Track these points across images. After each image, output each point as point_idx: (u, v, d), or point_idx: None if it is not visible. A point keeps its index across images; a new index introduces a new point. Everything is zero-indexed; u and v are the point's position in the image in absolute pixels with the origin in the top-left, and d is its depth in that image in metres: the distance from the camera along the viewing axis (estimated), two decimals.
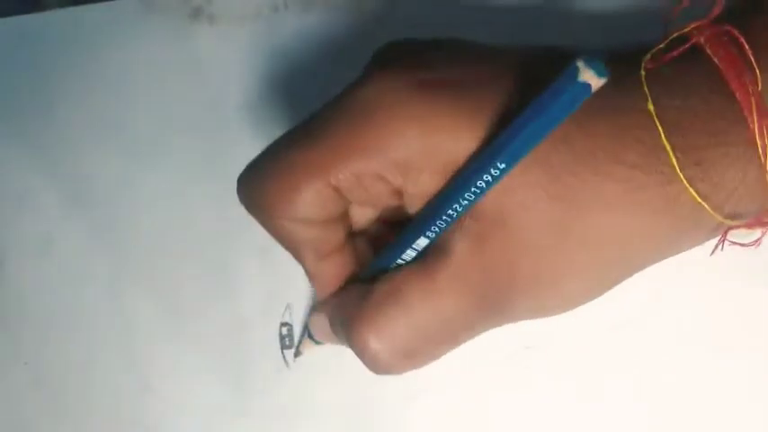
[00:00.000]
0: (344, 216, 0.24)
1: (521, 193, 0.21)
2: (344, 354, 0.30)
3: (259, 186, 0.23)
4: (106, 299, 0.33)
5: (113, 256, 0.33)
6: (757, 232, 0.25)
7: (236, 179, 0.32)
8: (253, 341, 0.31)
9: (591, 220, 0.21)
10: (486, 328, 0.23)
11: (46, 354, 0.33)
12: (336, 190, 0.22)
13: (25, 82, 0.34)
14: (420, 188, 0.21)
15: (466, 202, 0.20)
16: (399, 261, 0.23)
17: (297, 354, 0.31)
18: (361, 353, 0.23)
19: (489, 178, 0.20)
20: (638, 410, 0.29)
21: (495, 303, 0.22)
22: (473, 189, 0.20)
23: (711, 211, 0.21)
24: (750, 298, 0.29)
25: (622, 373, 0.29)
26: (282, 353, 0.31)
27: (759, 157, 0.21)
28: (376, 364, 0.23)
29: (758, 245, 0.26)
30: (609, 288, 0.23)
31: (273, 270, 0.31)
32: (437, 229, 0.22)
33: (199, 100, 0.33)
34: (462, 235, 0.21)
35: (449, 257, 0.22)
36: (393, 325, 0.22)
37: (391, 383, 0.30)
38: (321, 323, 0.26)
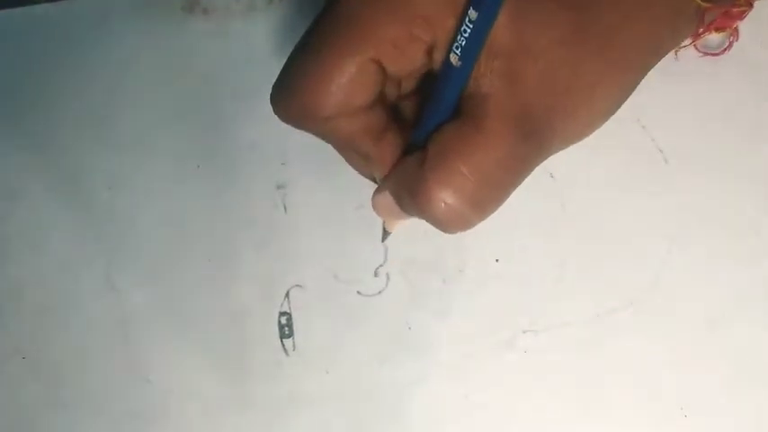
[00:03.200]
0: (383, 95, 0.24)
1: (535, 15, 0.21)
2: (344, 343, 0.31)
3: (301, 89, 0.22)
4: (103, 292, 0.33)
5: (110, 248, 0.33)
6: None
7: (231, 173, 0.32)
8: (251, 331, 0.32)
9: (603, 20, 0.22)
10: (538, 160, 0.24)
11: (43, 347, 0.32)
12: (377, 62, 0.22)
13: (18, 77, 0.34)
14: (448, 35, 0.22)
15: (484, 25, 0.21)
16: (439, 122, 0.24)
17: (385, 236, 0.30)
18: (433, 212, 0.23)
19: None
20: (638, 396, 0.30)
21: (540, 130, 0.23)
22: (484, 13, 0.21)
23: None
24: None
25: (621, 356, 0.30)
26: (282, 342, 0.31)
27: None
28: (450, 219, 0.23)
29: (728, 51, 0.29)
30: (631, 90, 0.24)
31: (271, 260, 0.32)
32: (465, 72, 0.22)
33: (193, 92, 0.33)
34: (493, 76, 0.22)
35: (487, 101, 0.22)
36: (456, 177, 0.22)
37: (391, 372, 0.31)
38: (385, 202, 0.26)
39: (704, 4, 0.24)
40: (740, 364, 0.29)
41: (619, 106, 0.24)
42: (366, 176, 0.27)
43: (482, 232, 0.30)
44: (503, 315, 0.30)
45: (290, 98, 0.23)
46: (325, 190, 0.31)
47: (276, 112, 0.24)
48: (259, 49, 0.33)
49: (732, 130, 0.30)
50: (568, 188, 0.30)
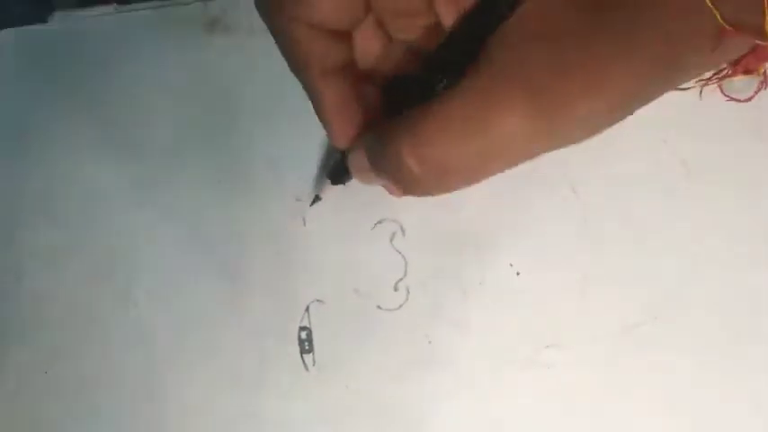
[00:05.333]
0: (349, 38, 0.24)
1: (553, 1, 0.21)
2: (364, 357, 0.31)
3: None
4: (123, 307, 0.33)
5: (130, 263, 0.33)
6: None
7: (251, 188, 0.32)
8: (271, 346, 0.31)
9: (615, 21, 0.21)
10: (534, 146, 0.22)
11: (65, 362, 0.33)
12: None
13: (41, 92, 0.34)
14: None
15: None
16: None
17: (315, 200, 0.30)
18: (399, 171, 0.22)
19: None
20: (664, 411, 0.29)
21: (547, 106, 0.21)
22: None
23: (712, 7, 0.21)
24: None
25: (646, 370, 0.29)
26: (302, 357, 0.31)
27: None
28: (413, 183, 0.22)
29: (752, 99, 0.28)
30: (641, 86, 0.23)
31: (291, 274, 0.32)
32: (482, 33, 0.21)
33: (214, 107, 0.33)
34: (498, 41, 0.21)
35: (491, 65, 0.21)
36: (432, 135, 0.21)
37: (411, 388, 0.30)
38: (358, 157, 0.25)
39: (727, 27, 0.22)
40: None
41: (633, 101, 0.23)
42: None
43: (503, 245, 0.30)
44: (525, 329, 0.30)
45: None
46: (345, 203, 0.31)
47: (256, 3, 0.24)
48: (279, 65, 0.33)
49: (754, 142, 0.30)
50: (590, 201, 0.30)
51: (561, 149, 0.22)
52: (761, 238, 0.29)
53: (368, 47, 0.26)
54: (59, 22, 0.35)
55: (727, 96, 0.29)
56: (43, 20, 0.35)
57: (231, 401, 0.32)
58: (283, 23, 0.24)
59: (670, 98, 0.29)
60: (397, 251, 0.31)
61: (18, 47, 0.35)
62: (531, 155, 0.22)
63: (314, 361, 0.31)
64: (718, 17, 0.22)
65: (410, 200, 0.31)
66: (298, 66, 0.25)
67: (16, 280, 0.34)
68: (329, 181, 0.30)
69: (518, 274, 0.30)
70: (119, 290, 0.33)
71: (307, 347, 0.31)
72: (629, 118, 0.29)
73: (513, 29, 0.22)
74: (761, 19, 0.22)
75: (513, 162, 0.22)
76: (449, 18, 0.23)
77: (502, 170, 0.23)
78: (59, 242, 0.34)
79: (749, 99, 0.28)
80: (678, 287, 0.29)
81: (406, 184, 0.23)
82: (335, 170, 0.29)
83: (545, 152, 0.22)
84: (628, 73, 0.22)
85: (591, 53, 0.21)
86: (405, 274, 0.31)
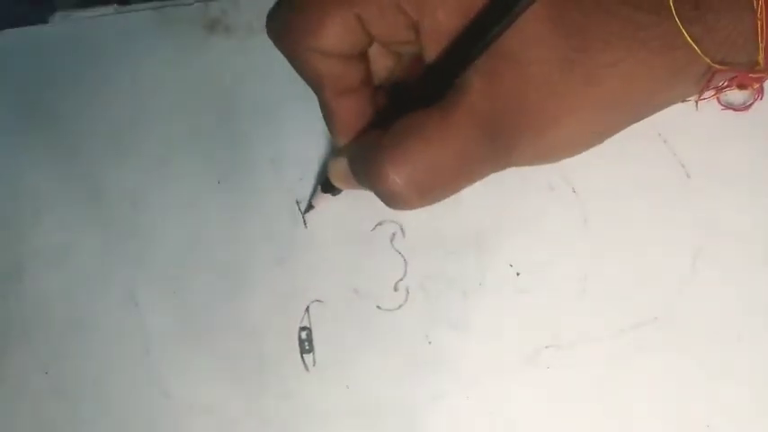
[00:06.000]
0: (364, 57, 0.26)
1: (531, 29, 0.22)
2: (364, 357, 0.31)
3: (288, 19, 0.24)
4: (125, 307, 0.33)
5: (132, 264, 0.33)
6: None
7: (252, 189, 0.32)
8: (271, 346, 0.32)
9: (595, 56, 0.22)
10: (495, 167, 0.25)
11: (66, 362, 0.33)
12: (360, 20, 0.23)
13: (42, 94, 0.35)
14: (435, 26, 0.23)
15: (481, 44, 0.22)
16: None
17: (308, 209, 0.31)
18: (381, 186, 0.23)
19: (506, 21, 0.22)
20: (664, 412, 0.29)
21: (504, 138, 0.23)
22: (491, 32, 0.22)
23: (700, 53, 0.22)
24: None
25: (646, 371, 0.29)
26: (302, 357, 0.31)
27: (754, 5, 0.22)
28: (394, 197, 0.24)
29: (749, 109, 0.28)
30: (607, 135, 0.25)
31: (291, 275, 0.32)
32: (454, 71, 0.23)
33: (214, 108, 0.33)
34: (476, 72, 0.23)
35: (464, 94, 0.23)
36: (410, 156, 0.23)
37: (411, 388, 0.30)
38: (340, 166, 0.27)
39: (716, 66, 0.23)
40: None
41: (589, 144, 0.25)
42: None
43: (503, 245, 0.30)
44: (525, 330, 0.30)
45: (277, 21, 0.25)
46: (345, 204, 0.31)
47: (269, 31, 0.25)
48: (279, 66, 0.33)
49: (755, 144, 0.30)
50: (590, 202, 0.30)
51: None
52: (761, 238, 0.29)
53: (381, 63, 0.27)
54: (60, 22, 0.35)
55: (724, 106, 0.29)
56: (44, 20, 0.35)
57: (231, 401, 0.32)
58: (295, 51, 0.25)
59: None
60: (397, 252, 0.31)
61: (18, 47, 0.35)
62: (500, 169, 0.25)
63: (314, 361, 0.31)
64: (708, 61, 0.22)
65: None
66: (312, 86, 0.26)
67: (16, 280, 0.34)
68: (323, 192, 0.30)
69: (518, 274, 0.30)
70: (121, 290, 0.33)
71: (307, 347, 0.31)
72: None
73: (493, 57, 0.23)
74: (748, 56, 0.23)
75: (485, 175, 0.25)
76: (431, 53, 0.24)
77: (481, 179, 0.25)
78: (60, 242, 0.34)
79: (746, 108, 0.29)
80: (678, 287, 0.29)
81: (387, 199, 0.24)
82: (327, 179, 0.29)
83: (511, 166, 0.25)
84: (588, 123, 0.24)
85: (555, 96, 0.23)
86: (404, 275, 0.31)
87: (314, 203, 0.31)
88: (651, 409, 0.29)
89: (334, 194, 0.30)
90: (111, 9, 0.34)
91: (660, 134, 0.30)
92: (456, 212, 0.31)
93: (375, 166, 0.23)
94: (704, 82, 0.24)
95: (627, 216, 0.30)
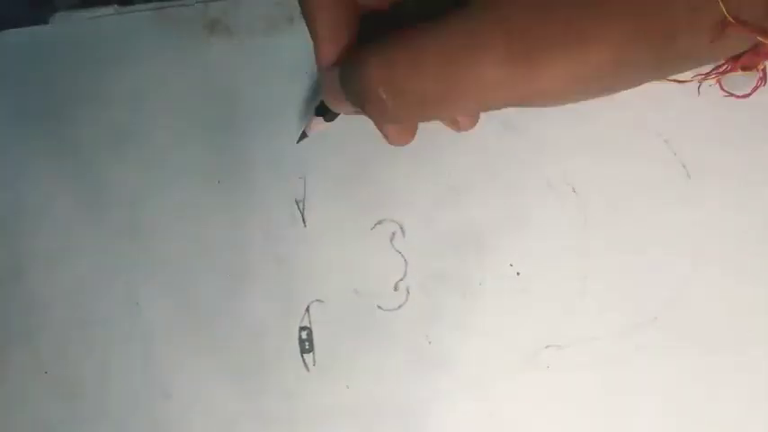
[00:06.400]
0: None
1: None
2: (364, 357, 0.31)
3: None
4: (125, 307, 0.33)
5: (132, 264, 0.33)
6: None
7: (252, 189, 0.32)
8: (272, 346, 0.32)
9: None
10: (507, 93, 0.22)
11: (66, 362, 0.33)
12: None
13: (41, 94, 0.35)
14: None
15: None
16: None
17: (302, 137, 0.30)
18: (366, 90, 0.22)
19: None
20: (663, 412, 0.29)
21: (525, 52, 0.21)
22: None
23: None
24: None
25: (645, 370, 0.29)
26: (302, 357, 0.31)
27: None
28: (379, 103, 0.22)
29: (752, 95, 0.28)
30: (624, 76, 0.22)
31: (291, 275, 0.32)
32: None
33: (215, 109, 0.33)
34: None
35: (472, 3, 0.21)
36: (403, 66, 0.21)
37: (411, 388, 0.30)
38: (332, 79, 0.25)
39: (729, 18, 0.22)
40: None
41: (614, 73, 0.22)
42: None
43: (503, 245, 0.30)
44: (524, 330, 0.30)
45: None
46: (345, 204, 0.31)
47: None
48: (280, 67, 0.33)
49: (755, 145, 0.30)
50: (591, 202, 0.30)
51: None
52: (761, 238, 0.29)
53: None
54: (60, 22, 0.35)
55: (726, 92, 0.29)
56: (44, 20, 0.35)
57: (232, 401, 0.32)
58: None
59: (671, 98, 0.29)
60: (397, 251, 0.31)
61: (19, 47, 0.35)
62: (501, 102, 0.22)
63: (314, 361, 0.31)
64: (723, 8, 0.21)
65: (411, 200, 0.31)
66: None
67: (16, 280, 0.34)
68: (316, 116, 0.29)
69: (518, 274, 0.30)
70: (119, 290, 0.33)
71: (307, 347, 0.31)
72: (631, 118, 0.29)
73: None
74: (764, 16, 0.22)
75: (482, 105, 0.22)
76: None
77: (470, 112, 0.22)
78: (60, 242, 0.34)
79: (747, 95, 0.28)
80: (678, 287, 0.29)
81: (372, 110, 0.23)
82: (322, 103, 0.28)
83: (517, 104, 0.22)
84: (611, 38, 0.21)
85: (577, 8, 0.21)
86: (405, 275, 0.31)
87: (307, 131, 0.30)
88: (650, 409, 0.29)
89: (326, 119, 0.29)
90: (111, 9, 0.34)
91: (660, 134, 0.30)
92: (456, 212, 0.31)
93: (359, 65, 0.22)
94: (715, 41, 0.22)
95: (627, 216, 0.30)
